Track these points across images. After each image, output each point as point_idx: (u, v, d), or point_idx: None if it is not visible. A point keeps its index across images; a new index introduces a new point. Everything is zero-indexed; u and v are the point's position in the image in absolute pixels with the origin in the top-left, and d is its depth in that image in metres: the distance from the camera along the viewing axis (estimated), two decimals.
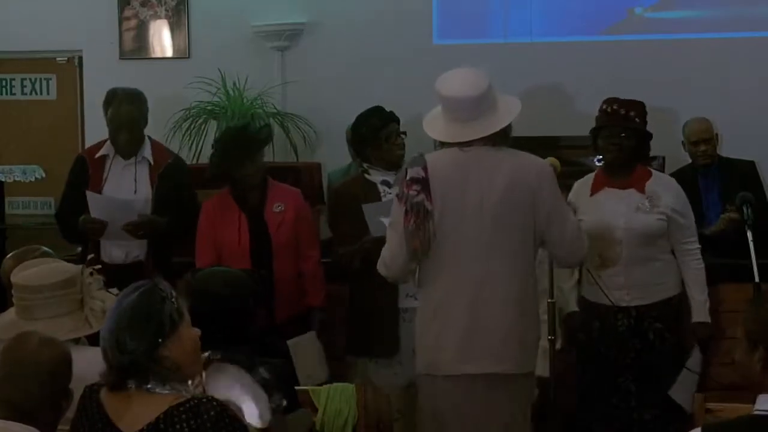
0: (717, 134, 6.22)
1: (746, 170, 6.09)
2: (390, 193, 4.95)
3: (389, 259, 3.92)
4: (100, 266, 3.79)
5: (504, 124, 3.90)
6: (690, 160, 6.17)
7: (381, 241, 4.79)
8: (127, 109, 5.31)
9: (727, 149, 6.44)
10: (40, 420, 2.96)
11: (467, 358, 3.80)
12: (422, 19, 7.33)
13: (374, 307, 4.90)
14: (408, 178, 3.79)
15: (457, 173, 3.83)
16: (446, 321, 3.83)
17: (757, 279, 4.68)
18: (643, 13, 7.22)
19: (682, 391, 4.70)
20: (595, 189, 4.85)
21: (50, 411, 3.02)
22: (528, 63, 7.11)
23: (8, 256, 4.13)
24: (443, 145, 3.96)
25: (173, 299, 2.93)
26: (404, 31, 7.30)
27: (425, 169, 3.78)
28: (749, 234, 4.79)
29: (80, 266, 3.67)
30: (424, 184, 3.76)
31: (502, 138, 3.93)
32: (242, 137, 5.18)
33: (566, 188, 4.09)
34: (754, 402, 2.77)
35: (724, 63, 7.00)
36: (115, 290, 3.71)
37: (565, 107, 7.06)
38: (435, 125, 3.93)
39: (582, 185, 4.92)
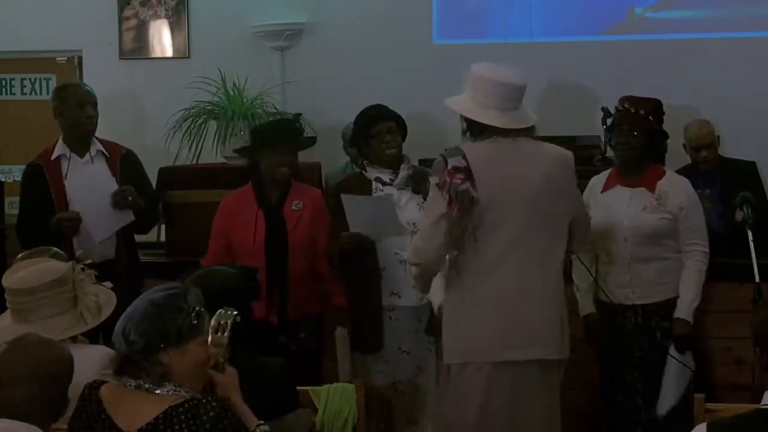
0: (718, 136, 6.22)
1: (747, 170, 6.10)
2: (382, 191, 4.98)
3: (423, 246, 3.91)
4: (90, 261, 3.79)
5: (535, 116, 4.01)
6: (691, 161, 6.17)
7: (354, 237, 4.83)
8: (87, 89, 5.54)
9: (727, 149, 6.44)
10: (37, 423, 2.95)
11: (512, 345, 3.84)
12: (422, 19, 7.33)
13: (360, 303, 4.94)
14: (450, 167, 3.81)
15: (497, 163, 3.87)
16: (489, 308, 3.86)
17: (757, 279, 4.69)
18: (643, 13, 7.21)
19: (675, 383, 4.68)
20: (607, 186, 4.87)
21: (48, 415, 3.00)
22: (528, 63, 7.08)
23: (19, 256, 4.04)
24: (477, 136, 3.94)
25: (193, 313, 2.93)
26: (404, 31, 7.29)
27: (465, 158, 3.81)
28: (749, 234, 4.79)
29: (70, 263, 3.65)
30: (467, 172, 3.79)
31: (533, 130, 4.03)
32: (285, 127, 5.27)
33: None
34: (754, 402, 2.77)
35: (724, 63, 6.98)
36: (108, 284, 3.70)
37: (564, 107, 7.05)
38: (485, 113, 3.92)
39: (596, 181, 4.97)
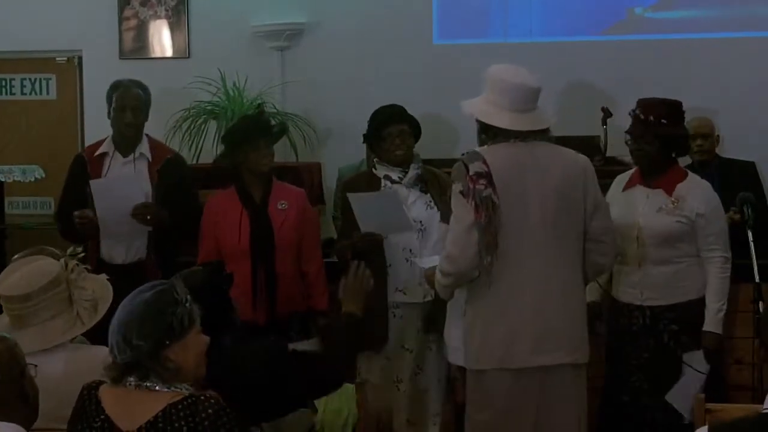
0: (717, 135, 6.22)
1: (746, 171, 6.09)
2: (391, 188, 5.00)
3: (459, 255, 3.88)
4: (83, 254, 3.74)
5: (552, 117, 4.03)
6: (690, 161, 6.16)
7: (368, 237, 4.84)
8: (135, 92, 5.40)
9: (727, 149, 6.44)
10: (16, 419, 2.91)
11: (541, 350, 3.85)
12: (422, 19, 7.33)
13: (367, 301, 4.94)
14: (472, 173, 3.82)
15: (515, 166, 3.88)
16: (517, 314, 3.86)
17: (757, 279, 4.68)
18: (643, 13, 7.22)
19: (682, 394, 4.65)
20: (628, 185, 4.84)
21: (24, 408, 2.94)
22: (528, 63, 7.03)
23: (15, 257, 3.94)
24: (492, 138, 3.95)
25: (187, 304, 2.93)
26: (404, 31, 7.30)
27: (485, 163, 3.83)
28: (749, 234, 4.79)
29: (61, 261, 3.59)
30: (488, 178, 3.81)
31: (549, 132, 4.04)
32: (256, 122, 5.26)
33: None
34: (755, 402, 2.77)
35: (724, 63, 6.99)
36: (104, 275, 3.67)
37: (564, 107, 7.05)
38: (497, 116, 3.93)
39: (620, 179, 4.94)
